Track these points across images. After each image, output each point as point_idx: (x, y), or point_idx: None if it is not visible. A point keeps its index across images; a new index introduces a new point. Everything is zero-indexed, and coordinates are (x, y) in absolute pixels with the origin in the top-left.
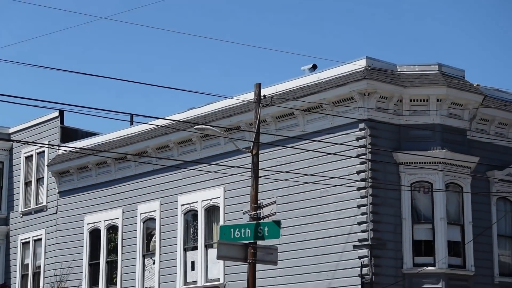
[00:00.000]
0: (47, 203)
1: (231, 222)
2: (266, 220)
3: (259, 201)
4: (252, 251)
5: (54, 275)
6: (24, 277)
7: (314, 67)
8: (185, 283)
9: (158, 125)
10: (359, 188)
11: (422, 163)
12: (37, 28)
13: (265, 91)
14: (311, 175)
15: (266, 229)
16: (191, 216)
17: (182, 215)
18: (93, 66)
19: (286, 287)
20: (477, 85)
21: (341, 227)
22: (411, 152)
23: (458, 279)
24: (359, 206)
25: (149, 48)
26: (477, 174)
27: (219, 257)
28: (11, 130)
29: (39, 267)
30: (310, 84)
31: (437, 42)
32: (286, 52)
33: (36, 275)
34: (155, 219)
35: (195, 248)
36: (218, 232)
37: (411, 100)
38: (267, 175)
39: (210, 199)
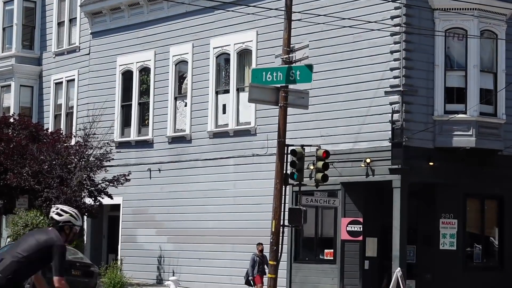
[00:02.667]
0: (79, 43)
1: (263, 65)
2: (298, 64)
3: (291, 45)
4: (283, 94)
5: (87, 116)
6: (57, 117)
7: None
8: (216, 126)
9: None
10: (392, 34)
11: (458, 9)
12: None
13: None
14: (345, 19)
15: (298, 72)
16: (223, 59)
17: (214, 58)
18: None
19: (316, 132)
20: None
21: (373, 73)
22: None
23: (489, 127)
24: (392, 52)
25: None
26: None
27: (250, 100)
28: None
29: (72, 107)
30: None
31: None
32: None
33: (69, 115)
34: (187, 62)
35: (227, 91)
36: (250, 76)
37: None
38: (301, 19)
39: (243, 42)
